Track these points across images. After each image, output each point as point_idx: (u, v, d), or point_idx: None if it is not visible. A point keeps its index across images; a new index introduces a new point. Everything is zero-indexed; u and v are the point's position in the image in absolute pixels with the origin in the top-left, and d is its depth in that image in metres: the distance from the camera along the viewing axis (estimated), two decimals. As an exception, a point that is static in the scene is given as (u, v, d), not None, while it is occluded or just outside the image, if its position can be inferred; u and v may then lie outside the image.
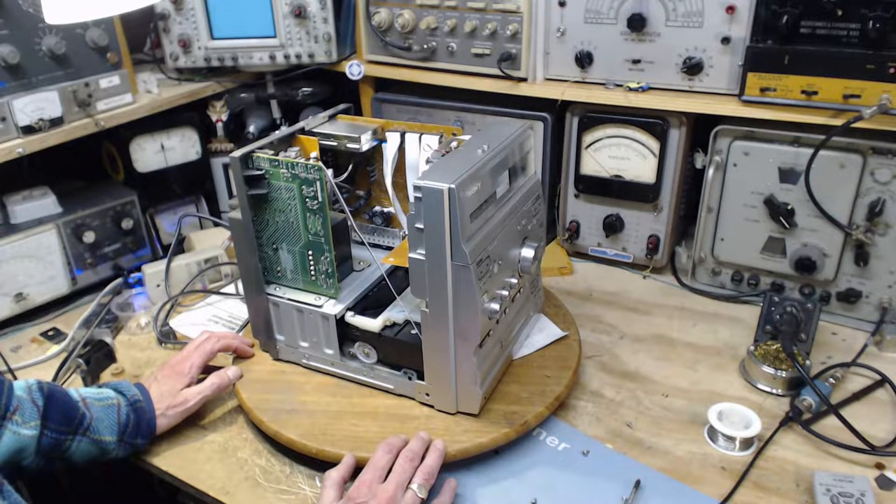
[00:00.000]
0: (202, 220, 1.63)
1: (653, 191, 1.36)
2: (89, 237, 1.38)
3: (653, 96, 1.28)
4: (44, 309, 1.37)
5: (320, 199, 1.00)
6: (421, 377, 1.01)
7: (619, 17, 1.27)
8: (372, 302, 1.08)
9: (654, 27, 1.25)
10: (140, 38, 1.57)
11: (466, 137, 1.06)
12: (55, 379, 1.18)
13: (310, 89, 1.61)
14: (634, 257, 1.46)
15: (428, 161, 1.02)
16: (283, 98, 1.62)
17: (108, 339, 1.25)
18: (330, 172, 1.01)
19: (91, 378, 1.17)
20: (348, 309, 1.06)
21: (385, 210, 1.23)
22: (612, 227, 1.43)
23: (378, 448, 0.92)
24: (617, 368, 1.18)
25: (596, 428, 1.04)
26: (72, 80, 1.32)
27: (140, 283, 1.42)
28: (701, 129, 1.31)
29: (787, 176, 1.23)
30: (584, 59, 1.32)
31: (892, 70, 1.08)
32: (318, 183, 0.99)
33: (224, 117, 1.62)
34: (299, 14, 1.47)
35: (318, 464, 0.96)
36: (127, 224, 1.43)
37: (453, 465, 0.95)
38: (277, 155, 1.02)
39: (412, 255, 0.92)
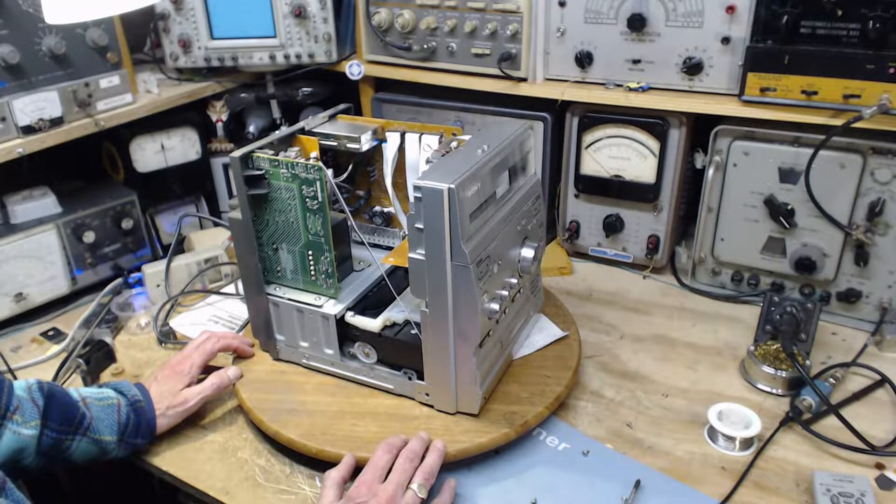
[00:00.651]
0: (202, 220, 1.63)
1: (653, 191, 1.36)
2: (89, 237, 1.38)
3: (653, 96, 1.28)
4: (44, 309, 1.37)
5: (320, 199, 1.00)
6: (421, 377, 1.01)
7: (619, 17, 1.27)
8: (372, 302, 1.08)
9: (654, 27, 1.25)
10: (140, 38, 1.57)
11: (466, 137, 1.06)
12: (55, 379, 1.18)
13: (310, 89, 1.61)
14: (634, 257, 1.46)
15: (428, 161, 1.02)
16: (283, 98, 1.62)
17: (108, 339, 1.25)
18: (330, 172, 1.01)
19: (91, 378, 1.17)
20: (348, 309, 1.06)
21: (385, 210, 1.23)
22: (612, 227, 1.43)
23: (378, 448, 0.92)
24: (617, 368, 1.18)
25: (596, 428, 1.04)
26: (72, 80, 1.32)
27: (140, 283, 1.42)
28: (701, 129, 1.31)
29: (787, 176, 1.23)
30: (584, 59, 1.32)
31: (892, 70, 1.08)
32: (318, 183, 0.99)
33: (224, 117, 1.62)
34: (299, 14, 1.47)
35: (318, 464, 0.96)
36: (127, 224, 1.43)
37: (453, 465, 0.95)
38: (277, 155, 1.02)
39: (412, 255, 0.92)
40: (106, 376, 1.20)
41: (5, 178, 1.37)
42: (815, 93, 1.14)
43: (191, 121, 1.53)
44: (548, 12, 1.32)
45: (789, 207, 1.24)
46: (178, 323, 1.33)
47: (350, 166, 1.18)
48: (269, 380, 1.10)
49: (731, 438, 0.99)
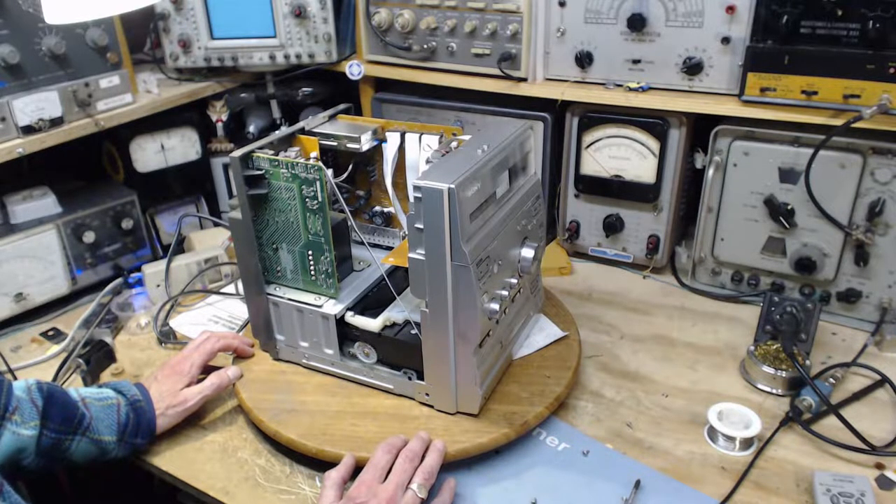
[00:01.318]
0: (202, 220, 1.63)
1: (653, 191, 1.36)
2: (89, 237, 1.38)
3: (653, 96, 1.28)
4: (44, 309, 1.37)
5: (320, 199, 1.00)
6: (421, 377, 1.01)
7: (619, 17, 1.27)
8: (372, 302, 1.08)
9: (654, 27, 1.25)
10: (140, 38, 1.57)
11: (466, 137, 1.06)
12: (55, 379, 1.18)
13: (310, 89, 1.61)
14: (634, 257, 1.46)
15: (428, 161, 1.02)
16: (283, 98, 1.62)
17: (108, 339, 1.25)
18: (330, 172, 1.01)
19: (91, 378, 1.17)
20: (348, 309, 1.06)
21: (385, 210, 1.23)
22: (612, 227, 1.43)
23: (378, 448, 0.92)
24: (617, 368, 1.17)
25: (596, 428, 1.04)
26: (72, 80, 1.32)
27: (140, 283, 1.42)
28: (701, 129, 1.31)
29: (787, 176, 1.23)
30: (584, 59, 1.32)
31: (892, 70, 1.08)
32: (318, 183, 0.99)
33: (224, 117, 1.62)
34: (299, 14, 1.47)
35: (318, 464, 0.96)
36: (127, 224, 1.43)
37: (453, 465, 0.95)
38: (277, 155, 1.02)
39: (412, 255, 0.92)
40: (106, 376, 1.20)
41: (5, 178, 1.37)
42: (815, 93, 1.14)
43: (191, 121, 1.53)
44: (548, 12, 1.32)
45: (789, 207, 1.24)
46: (178, 323, 1.33)
47: (350, 166, 1.18)
48: (269, 380, 1.10)
49: (731, 438, 0.99)
